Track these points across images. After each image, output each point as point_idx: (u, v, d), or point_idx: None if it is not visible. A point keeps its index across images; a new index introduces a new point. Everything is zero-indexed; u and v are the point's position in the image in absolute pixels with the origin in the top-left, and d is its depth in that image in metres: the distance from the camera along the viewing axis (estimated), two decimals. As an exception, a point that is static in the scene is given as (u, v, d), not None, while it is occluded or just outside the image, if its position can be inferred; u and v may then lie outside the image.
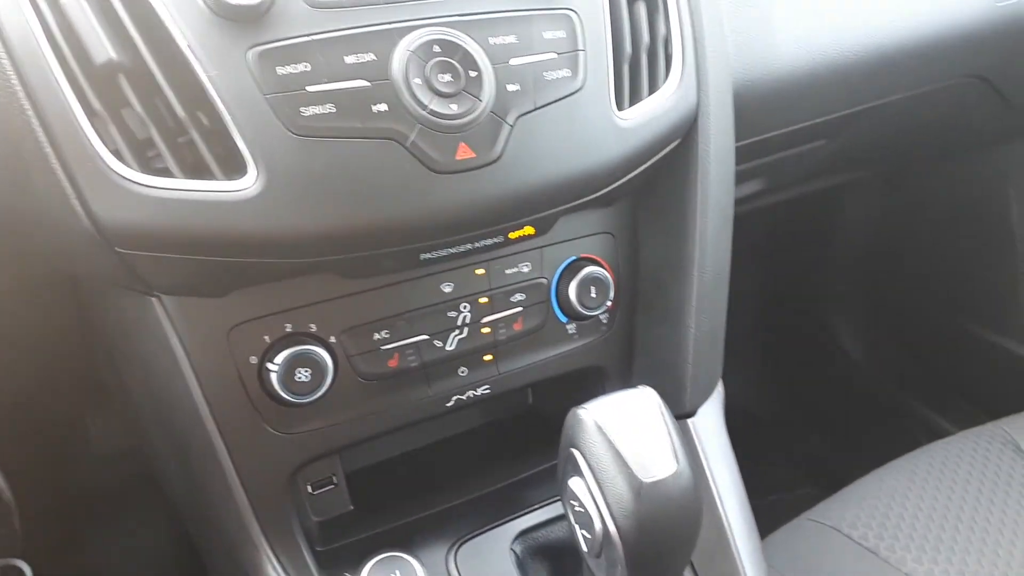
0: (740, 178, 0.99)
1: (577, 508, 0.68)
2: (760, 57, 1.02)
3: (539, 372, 0.90)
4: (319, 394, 0.76)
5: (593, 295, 0.88)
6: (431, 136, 0.65)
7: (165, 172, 0.62)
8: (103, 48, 0.60)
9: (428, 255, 0.73)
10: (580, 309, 0.87)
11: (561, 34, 0.72)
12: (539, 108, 0.70)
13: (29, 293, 0.84)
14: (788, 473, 2.11)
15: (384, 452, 1.02)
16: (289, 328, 0.75)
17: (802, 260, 2.24)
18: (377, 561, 0.83)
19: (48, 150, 0.60)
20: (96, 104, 0.61)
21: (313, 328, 0.76)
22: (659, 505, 0.63)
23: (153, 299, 0.71)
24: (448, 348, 0.83)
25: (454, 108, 0.65)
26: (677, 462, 0.64)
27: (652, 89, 0.80)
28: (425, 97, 0.64)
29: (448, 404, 0.86)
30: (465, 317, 0.83)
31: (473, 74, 0.66)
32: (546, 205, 0.75)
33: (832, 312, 2.22)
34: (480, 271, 0.83)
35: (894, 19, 1.14)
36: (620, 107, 0.77)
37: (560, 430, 0.69)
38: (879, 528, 1.14)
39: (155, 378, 0.76)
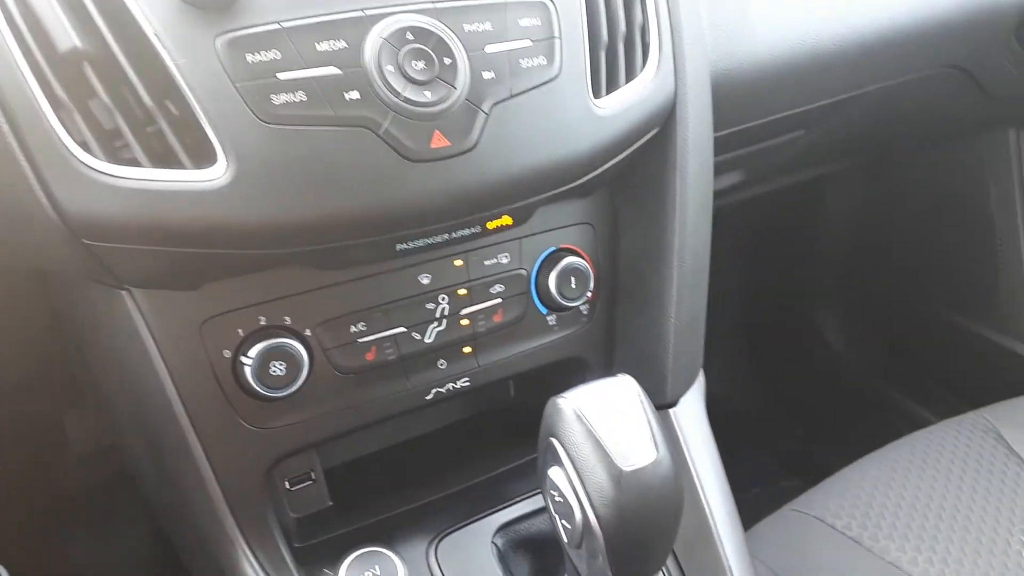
0: (720, 169, 0.98)
1: (557, 498, 0.67)
2: (738, 46, 1.02)
3: (519, 364, 0.90)
4: (294, 388, 0.75)
5: (573, 286, 0.87)
6: (405, 124, 0.64)
7: (133, 162, 0.61)
8: (67, 36, 0.59)
9: (404, 245, 0.72)
10: (560, 300, 0.87)
11: (536, 21, 0.71)
12: (515, 96, 0.69)
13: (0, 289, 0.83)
14: (773, 467, 2.12)
15: (364, 448, 1.01)
16: (263, 321, 0.74)
17: (785, 256, 2.25)
18: (356, 556, 0.82)
19: (11, 140, 0.59)
20: (61, 93, 0.59)
21: (288, 321, 0.75)
22: (639, 493, 0.63)
23: (123, 292, 0.70)
24: (427, 340, 0.82)
25: (428, 96, 0.64)
26: (657, 450, 0.64)
27: (629, 77, 0.80)
28: (398, 84, 0.63)
29: (428, 397, 0.86)
30: (443, 309, 0.82)
31: (447, 61, 0.65)
32: (523, 194, 0.75)
33: (816, 307, 2.23)
34: (458, 262, 0.82)
35: (873, 8, 1.14)
36: (597, 95, 0.76)
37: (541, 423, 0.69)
38: (862, 518, 1.14)
39: (127, 373, 0.75)
